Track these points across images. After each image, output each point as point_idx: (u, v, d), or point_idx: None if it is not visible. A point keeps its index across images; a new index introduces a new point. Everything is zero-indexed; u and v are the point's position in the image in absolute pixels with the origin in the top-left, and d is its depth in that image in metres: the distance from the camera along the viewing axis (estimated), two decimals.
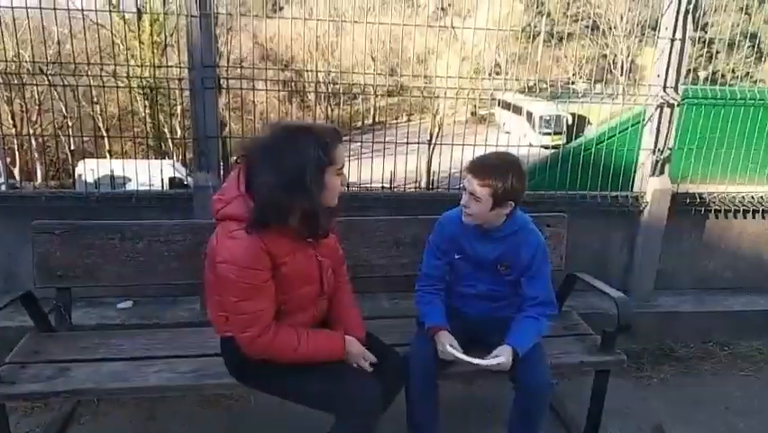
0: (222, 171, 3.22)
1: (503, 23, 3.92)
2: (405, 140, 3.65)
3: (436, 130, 14.78)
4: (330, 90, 3.63)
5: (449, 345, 2.14)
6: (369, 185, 4.35)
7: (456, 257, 2.35)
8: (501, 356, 2.09)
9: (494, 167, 2.13)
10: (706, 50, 4.79)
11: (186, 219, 3.01)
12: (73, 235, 2.43)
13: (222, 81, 3.13)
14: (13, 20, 3.13)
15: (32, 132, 15.61)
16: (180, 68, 3.34)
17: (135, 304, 3.23)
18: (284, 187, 1.76)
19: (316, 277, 2.03)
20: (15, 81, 3.18)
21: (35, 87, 3.34)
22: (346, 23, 4.04)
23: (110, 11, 5.37)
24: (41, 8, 3.06)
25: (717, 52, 4.47)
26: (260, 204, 1.78)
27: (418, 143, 4.08)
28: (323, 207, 1.87)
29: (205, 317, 2.09)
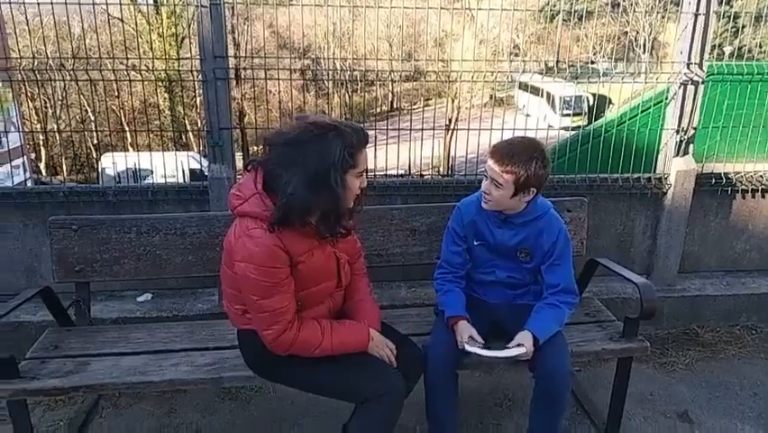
0: (241, 161, 3.19)
1: (520, 3, 3.83)
2: (422, 126, 3.60)
3: (454, 114, 14.62)
4: (347, 77, 3.59)
5: (468, 339, 2.10)
6: (386, 172, 4.31)
7: (475, 243, 2.31)
8: (522, 345, 2.05)
9: (517, 153, 2.07)
10: (731, 24, 4.64)
11: (202, 211, 3.02)
12: (90, 231, 2.43)
13: (239, 72, 3.09)
14: (27, 16, 3.13)
15: (55, 127, 15.84)
16: (193, 59, 3.32)
17: (154, 297, 3.25)
18: (309, 185, 1.73)
19: (334, 272, 2.03)
20: (38, 77, 3.19)
21: (57, 83, 3.35)
22: (361, 8, 3.99)
23: (128, 3, 5.38)
24: (53, 3, 3.06)
25: (743, 27, 4.31)
26: (283, 203, 1.75)
27: (434, 129, 4.02)
28: (344, 208, 1.86)
29: (223, 309, 2.09)
